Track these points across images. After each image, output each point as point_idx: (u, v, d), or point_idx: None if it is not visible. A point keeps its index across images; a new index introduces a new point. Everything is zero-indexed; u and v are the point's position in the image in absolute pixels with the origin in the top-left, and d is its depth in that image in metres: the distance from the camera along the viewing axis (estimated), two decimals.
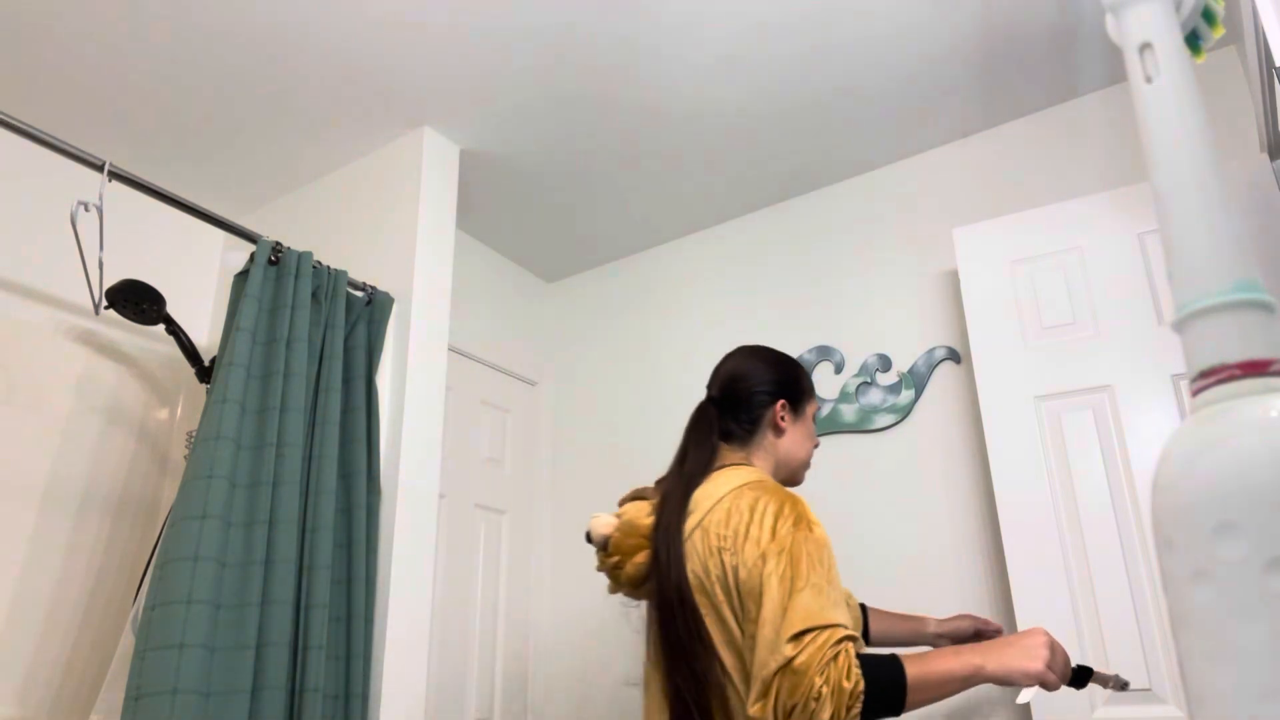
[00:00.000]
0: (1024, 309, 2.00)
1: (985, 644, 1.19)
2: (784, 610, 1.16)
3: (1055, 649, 1.18)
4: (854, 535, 2.29)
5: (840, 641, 1.13)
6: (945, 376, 2.31)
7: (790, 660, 1.12)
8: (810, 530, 1.24)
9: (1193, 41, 0.55)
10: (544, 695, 2.70)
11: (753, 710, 1.14)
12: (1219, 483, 0.40)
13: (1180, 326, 0.46)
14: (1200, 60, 0.54)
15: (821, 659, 1.11)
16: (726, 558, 1.26)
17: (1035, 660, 1.16)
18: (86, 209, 1.75)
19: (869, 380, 2.41)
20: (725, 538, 1.27)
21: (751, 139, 2.45)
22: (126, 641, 1.75)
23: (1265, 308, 0.44)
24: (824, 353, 2.51)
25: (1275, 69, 1.47)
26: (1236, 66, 2.06)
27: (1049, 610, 1.77)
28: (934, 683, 1.14)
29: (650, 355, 2.89)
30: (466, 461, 2.68)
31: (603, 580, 2.72)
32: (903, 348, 2.39)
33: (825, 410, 2.45)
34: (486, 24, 2.02)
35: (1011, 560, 1.85)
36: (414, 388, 2.15)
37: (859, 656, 1.13)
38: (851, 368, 2.46)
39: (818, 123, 2.39)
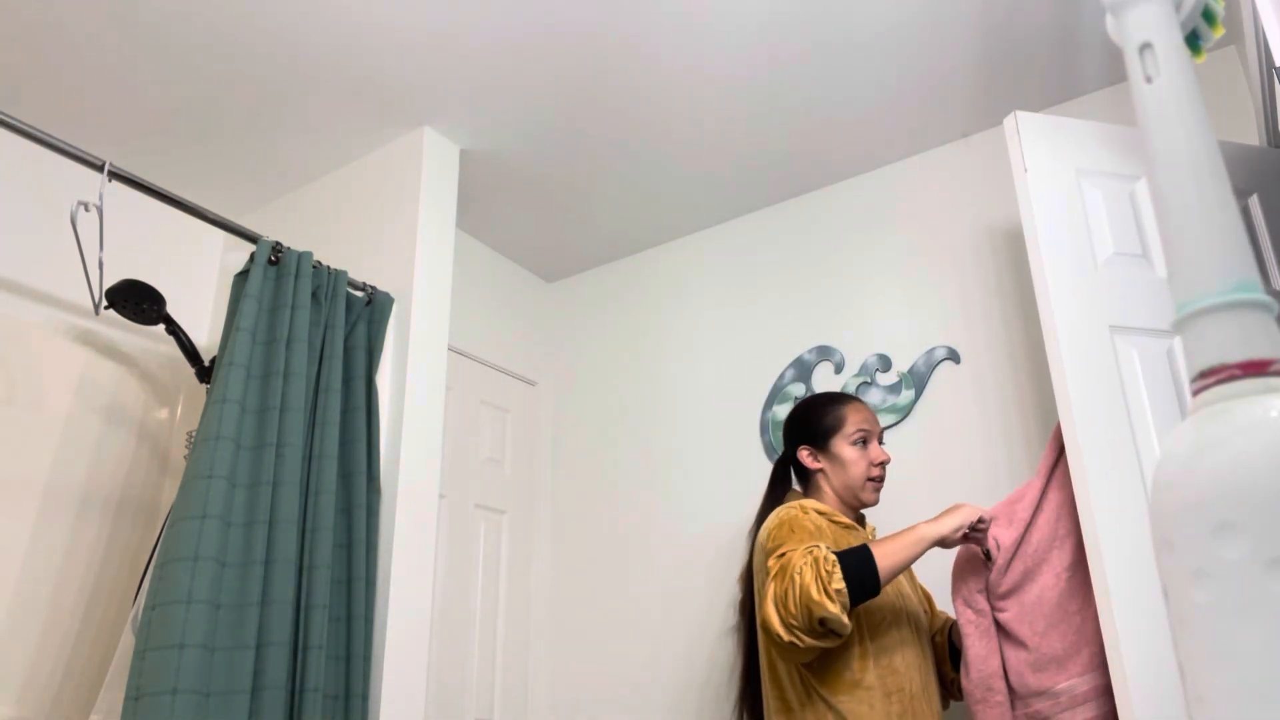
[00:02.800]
0: (1093, 226, 1.73)
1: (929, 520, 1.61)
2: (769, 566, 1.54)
3: (959, 513, 1.59)
4: None
5: (810, 550, 1.47)
6: (945, 376, 2.31)
7: (777, 566, 1.50)
8: (793, 530, 1.58)
9: (1193, 41, 0.55)
10: (544, 695, 2.70)
11: (762, 614, 1.49)
12: (1219, 483, 0.40)
13: (1180, 326, 0.46)
14: (1200, 60, 0.54)
15: (799, 554, 1.47)
16: (755, 557, 1.68)
17: (943, 526, 1.57)
18: (86, 209, 1.75)
19: (869, 380, 2.41)
20: (756, 546, 1.68)
21: (751, 139, 2.45)
22: (126, 641, 1.75)
23: (1265, 308, 0.44)
24: (824, 353, 2.51)
25: (1275, 69, 1.48)
26: (1236, 66, 2.06)
27: (1145, 585, 1.46)
28: (892, 549, 1.49)
29: (650, 355, 2.89)
30: (466, 461, 2.68)
31: (602, 580, 2.72)
32: (903, 348, 2.39)
33: None
34: (486, 24, 2.02)
35: (1096, 520, 1.50)
36: (414, 388, 2.15)
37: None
38: (851, 368, 2.46)
39: (818, 123, 2.39)
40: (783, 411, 2.52)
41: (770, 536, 1.60)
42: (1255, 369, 0.42)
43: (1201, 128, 0.47)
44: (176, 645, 1.51)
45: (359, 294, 2.17)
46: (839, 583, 1.40)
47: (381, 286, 2.22)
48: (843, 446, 1.75)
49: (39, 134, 1.68)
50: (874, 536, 1.82)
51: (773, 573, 1.49)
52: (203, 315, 2.59)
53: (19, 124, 1.65)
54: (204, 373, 2.18)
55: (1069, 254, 1.70)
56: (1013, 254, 2.28)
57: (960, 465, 2.21)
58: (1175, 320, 0.46)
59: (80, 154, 1.73)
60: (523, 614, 2.75)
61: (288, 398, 1.85)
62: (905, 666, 1.59)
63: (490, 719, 2.54)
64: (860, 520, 1.84)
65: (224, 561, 1.63)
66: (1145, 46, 0.49)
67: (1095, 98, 2.27)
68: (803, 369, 2.53)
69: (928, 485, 2.24)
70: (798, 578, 1.42)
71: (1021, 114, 1.80)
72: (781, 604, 1.44)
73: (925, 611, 1.82)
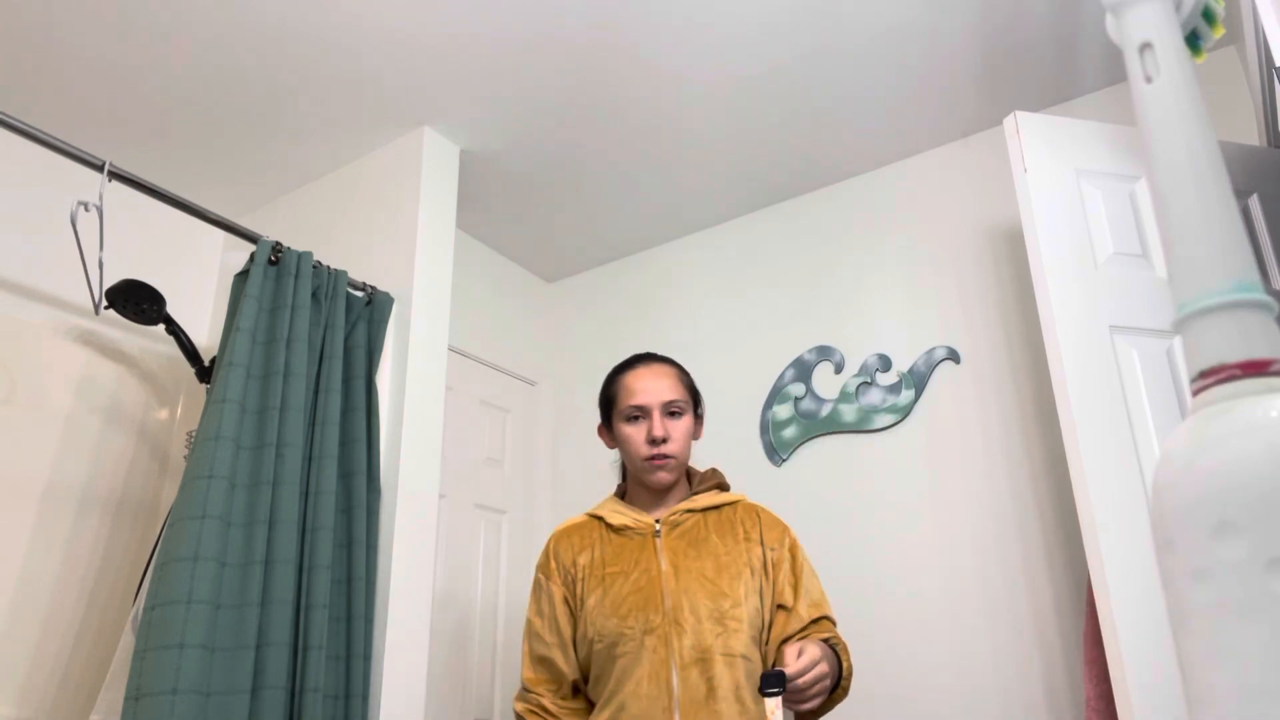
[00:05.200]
0: (1093, 226, 1.72)
1: None
2: None
3: None
4: (854, 535, 2.29)
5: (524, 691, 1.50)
6: (945, 376, 2.31)
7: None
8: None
9: (1193, 41, 0.55)
10: None
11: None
12: (1219, 483, 0.40)
13: (1180, 326, 0.46)
14: (1200, 60, 0.54)
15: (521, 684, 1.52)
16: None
17: None
18: (86, 209, 1.75)
19: (869, 380, 2.41)
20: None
21: (751, 139, 2.45)
22: (126, 641, 1.75)
23: (1265, 308, 0.44)
24: (824, 353, 2.52)
25: (1275, 69, 1.48)
26: (1236, 66, 2.06)
27: (1145, 591, 1.44)
28: None
29: None
30: (466, 461, 2.68)
31: None
32: (903, 348, 2.39)
33: (825, 410, 2.45)
34: (487, 25, 2.02)
35: (1095, 520, 1.51)
36: (414, 388, 2.15)
37: None
38: (851, 368, 2.46)
39: (818, 123, 2.39)
40: (783, 411, 2.52)
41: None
42: (1255, 369, 0.42)
43: (1201, 128, 0.47)
44: (176, 645, 1.51)
45: (359, 294, 2.17)
46: None
47: (381, 286, 2.22)
48: (619, 424, 1.55)
49: (39, 134, 1.68)
50: (693, 520, 1.51)
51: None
52: (203, 315, 2.59)
53: (19, 124, 1.65)
54: (204, 373, 2.18)
55: (1069, 254, 1.70)
56: (1013, 254, 2.28)
57: (960, 465, 2.21)
58: (1175, 320, 0.46)
59: (80, 154, 1.73)
60: (523, 614, 2.75)
61: (288, 398, 1.85)
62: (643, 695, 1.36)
63: (490, 719, 2.54)
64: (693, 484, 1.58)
65: (224, 561, 1.63)
66: (1145, 46, 0.49)
67: (1095, 98, 2.27)
68: (803, 369, 2.53)
69: (928, 485, 2.24)
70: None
71: (1021, 114, 1.80)
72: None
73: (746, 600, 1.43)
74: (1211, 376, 0.43)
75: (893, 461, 2.31)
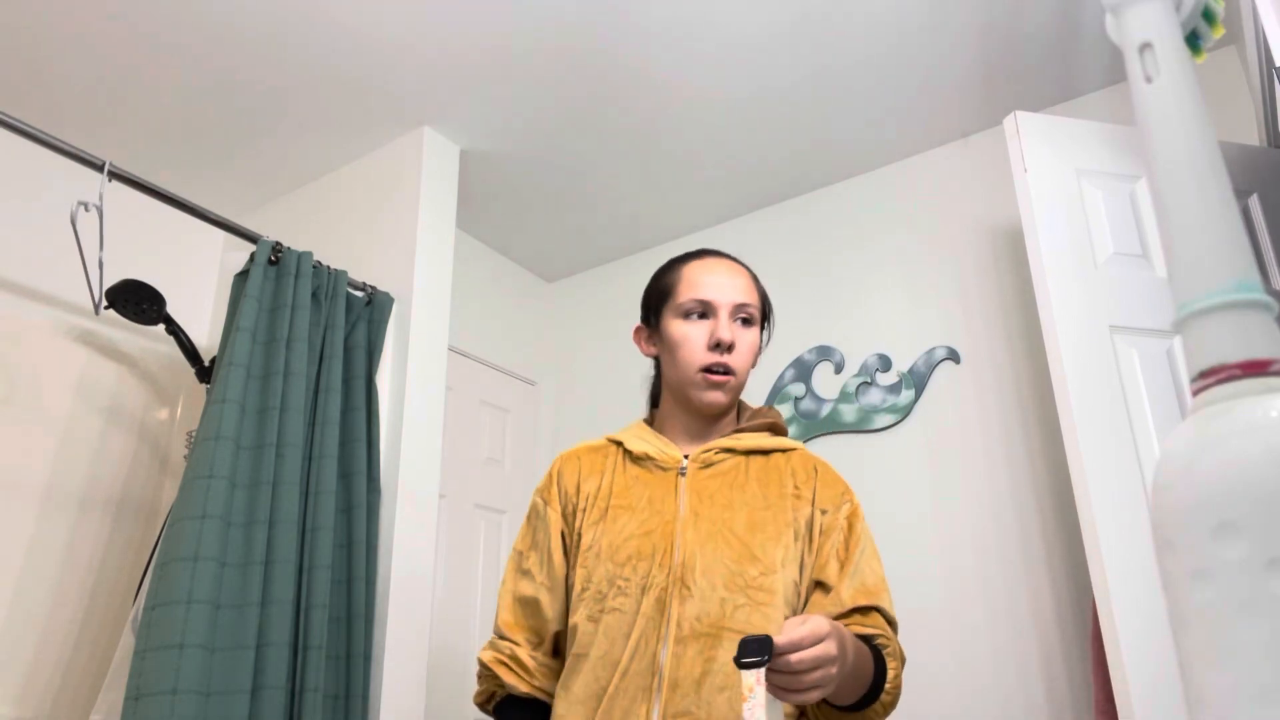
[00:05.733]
0: (1093, 226, 1.71)
1: None
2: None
3: None
4: None
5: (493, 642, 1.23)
6: (945, 376, 2.31)
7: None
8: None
9: (1193, 41, 0.55)
10: None
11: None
12: (1219, 483, 0.40)
13: (1180, 326, 0.46)
14: (1200, 60, 0.54)
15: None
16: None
17: None
18: (86, 209, 1.75)
19: (869, 380, 2.41)
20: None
21: (751, 139, 2.45)
22: (126, 641, 1.75)
23: (1265, 308, 0.44)
24: (824, 353, 2.51)
25: (1275, 69, 1.48)
26: (1236, 66, 2.06)
27: (1144, 588, 1.42)
28: None
29: None
30: (466, 461, 2.68)
31: None
32: (903, 348, 2.39)
33: (825, 410, 2.44)
34: (486, 24, 2.02)
35: (1095, 520, 1.51)
36: (414, 388, 2.15)
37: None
38: (851, 368, 2.46)
39: (818, 122, 2.39)
40: (783, 411, 2.52)
41: None
42: (1255, 369, 0.42)
43: (1201, 128, 0.47)
44: (176, 645, 1.51)
45: (359, 294, 2.17)
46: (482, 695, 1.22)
47: (381, 286, 2.22)
48: (672, 322, 1.23)
49: (39, 134, 1.68)
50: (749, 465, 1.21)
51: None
52: (203, 315, 2.59)
53: (19, 124, 1.65)
54: (204, 373, 2.18)
55: (1069, 254, 1.70)
56: (1013, 254, 2.27)
57: (960, 465, 2.21)
58: (1175, 320, 0.46)
59: (80, 154, 1.73)
60: None
61: (288, 398, 1.85)
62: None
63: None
64: (735, 418, 1.28)
65: (224, 561, 1.63)
66: (1145, 46, 0.49)
67: (1095, 98, 2.27)
68: (803, 369, 2.53)
69: (928, 486, 2.24)
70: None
71: (1021, 114, 1.80)
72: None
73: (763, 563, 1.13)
74: (1211, 376, 0.43)
75: (893, 461, 2.31)
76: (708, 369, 1.19)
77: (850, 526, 1.19)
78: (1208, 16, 0.54)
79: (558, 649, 1.20)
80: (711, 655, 1.06)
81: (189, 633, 1.53)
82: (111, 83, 2.17)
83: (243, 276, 1.93)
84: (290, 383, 1.87)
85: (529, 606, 1.20)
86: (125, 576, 2.21)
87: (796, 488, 1.19)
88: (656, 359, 1.32)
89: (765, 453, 1.23)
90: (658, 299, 1.29)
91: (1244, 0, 1.70)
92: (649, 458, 1.22)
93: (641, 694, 1.06)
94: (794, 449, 1.25)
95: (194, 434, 1.99)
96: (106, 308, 1.99)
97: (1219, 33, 0.55)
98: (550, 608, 1.19)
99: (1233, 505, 0.39)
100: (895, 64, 2.17)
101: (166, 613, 1.54)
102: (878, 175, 2.60)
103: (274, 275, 1.96)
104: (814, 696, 0.91)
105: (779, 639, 0.88)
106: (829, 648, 0.90)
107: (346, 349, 2.07)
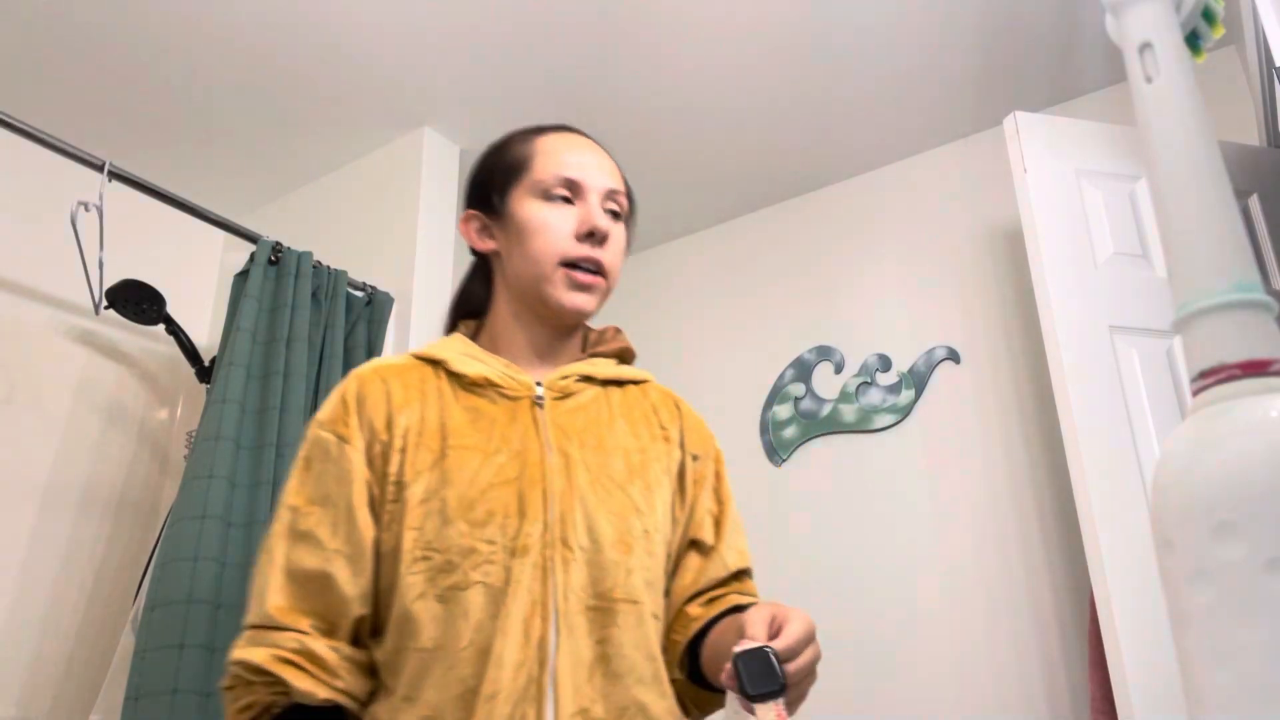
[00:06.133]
0: (1093, 226, 1.71)
1: None
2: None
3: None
4: (853, 535, 2.29)
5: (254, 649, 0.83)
6: (945, 376, 2.31)
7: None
8: (299, 471, 0.92)
9: (1193, 41, 0.55)
10: None
11: None
12: (1219, 483, 0.40)
13: (1180, 326, 0.46)
14: (1200, 60, 0.54)
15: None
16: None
17: None
18: (86, 209, 1.75)
19: (869, 380, 2.41)
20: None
21: (751, 139, 2.45)
22: (126, 641, 1.75)
23: (1265, 308, 0.44)
24: (824, 353, 2.51)
25: (1275, 69, 1.48)
26: (1236, 66, 2.06)
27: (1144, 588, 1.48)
28: None
29: (649, 355, 2.89)
30: None
31: None
32: (903, 348, 2.39)
33: (825, 410, 2.44)
34: (486, 24, 2.02)
35: (1095, 520, 1.49)
36: None
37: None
38: (851, 368, 2.45)
39: (817, 122, 2.39)
40: (783, 411, 2.52)
41: None
42: (1255, 369, 0.42)
43: (1201, 128, 0.47)
44: (176, 645, 1.51)
45: (359, 294, 2.17)
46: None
47: (381, 286, 2.22)
48: (525, 203, 0.98)
49: (39, 134, 1.68)
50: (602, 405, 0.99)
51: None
52: (203, 315, 2.59)
53: (19, 124, 1.65)
54: (204, 373, 2.18)
55: (1069, 254, 1.70)
56: (1013, 254, 2.27)
57: (960, 465, 2.21)
58: (1175, 320, 0.46)
59: (80, 154, 1.73)
60: None
61: (288, 398, 1.85)
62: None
63: None
64: (580, 342, 1.05)
65: (224, 561, 1.63)
66: (1145, 46, 0.49)
67: (1095, 98, 2.27)
68: (803, 369, 2.53)
69: (928, 485, 2.24)
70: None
71: (1021, 114, 1.80)
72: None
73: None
74: (1211, 376, 0.43)
75: (893, 461, 2.31)
76: (573, 264, 0.95)
77: (719, 476, 1.03)
78: (1208, 16, 0.54)
79: (357, 637, 0.87)
80: (605, 635, 0.85)
81: (189, 633, 1.53)
82: (111, 83, 2.17)
83: (243, 276, 1.93)
84: (290, 383, 1.87)
85: (314, 583, 0.85)
86: (125, 576, 2.21)
87: (663, 427, 1.01)
88: (483, 259, 1.05)
89: (621, 384, 1.03)
90: (504, 176, 1.02)
91: (1244, 0, 1.70)
92: (490, 383, 0.94)
93: (528, 693, 0.80)
94: (648, 380, 1.07)
95: (194, 434, 1.99)
96: (106, 308, 1.99)
97: (1219, 33, 0.55)
98: (350, 584, 0.85)
99: (1232, 505, 0.39)
100: (895, 64, 2.17)
101: (166, 613, 1.54)
102: (878, 175, 2.60)
103: (274, 275, 1.96)
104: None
105: (777, 644, 0.71)
106: (818, 649, 0.77)
107: (346, 349, 2.07)
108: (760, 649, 0.70)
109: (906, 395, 2.33)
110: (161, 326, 2.15)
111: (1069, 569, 1.99)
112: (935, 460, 2.25)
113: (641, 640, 0.88)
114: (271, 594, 0.85)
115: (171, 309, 2.13)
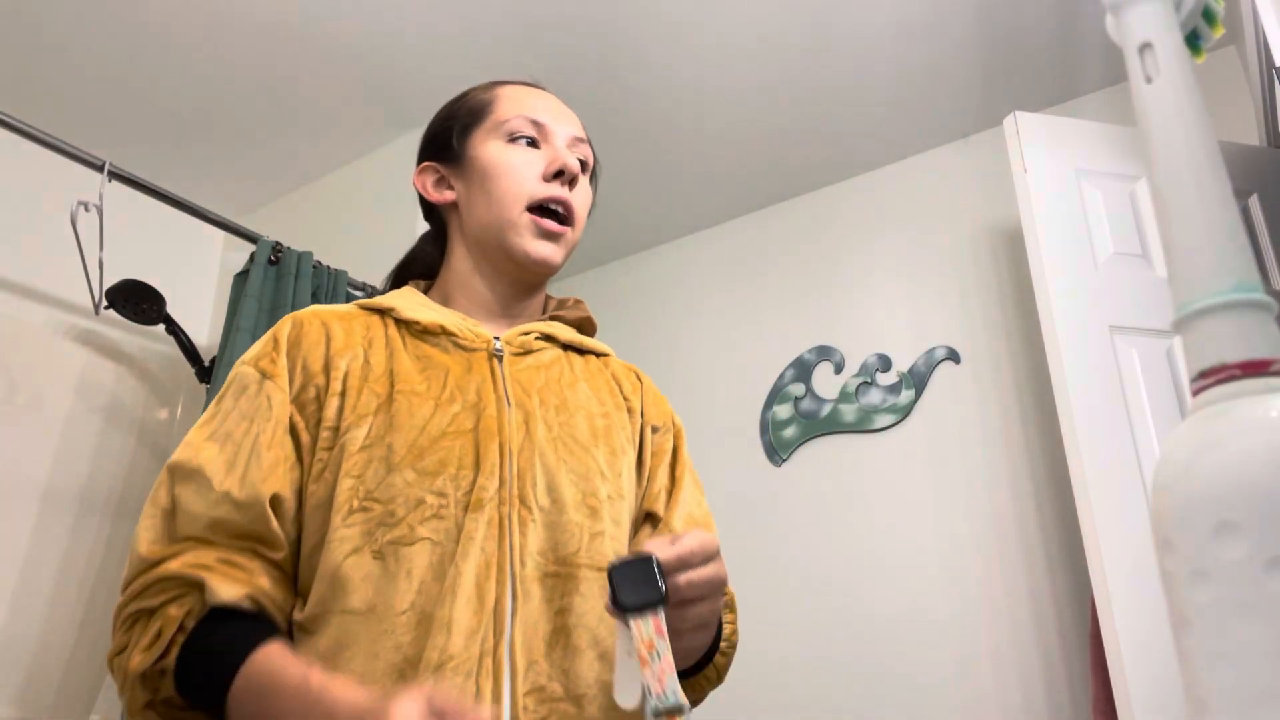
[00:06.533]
0: (1093, 226, 1.72)
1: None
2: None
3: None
4: (853, 535, 2.29)
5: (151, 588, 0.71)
6: (945, 376, 2.31)
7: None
8: (219, 403, 0.80)
9: (1193, 41, 0.55)
10: None
11: None
12: (1219, 483, 0.40)
13: (1180, 326, 0.46)
14: (1200, 60, 0.54)
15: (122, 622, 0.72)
16: None
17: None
18: (86, 209, 1.75)
19: (869, 380, 2.41)
20: None
21: (751, 139, 2.45)
22: None
23: (1265, 308, 0.44)
24: (824, 353, 2.51)
25: (1275, 69, 1.48)
26: (1236, 66, 2.06)
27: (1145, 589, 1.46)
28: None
29: (649, 355, 2.89)
30: None
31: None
32: (903, 348, 2.39)
33: (825, 410, 2.44)
34: (486, 25, 2.02)
35: (1095, 520, 1.50)
36: None
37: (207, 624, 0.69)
38: (851, 368, 2.46)
39: (818, 122, 2.39)
40: (783, 411, 2.52)
41: None
42: (1255, 369, 0.42)
43: (1201, 128, 0.47)
44: None
45: (359, 294, 2.16)
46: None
47: (381, 287, 2.22)
48: (487, 145, 0.93)
49: (39, 134, 1.68)
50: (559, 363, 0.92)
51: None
52: (203, 315, 2.59)
53: (19, 124, 1.65)
54: (204, 373, 2.18)
55: (1069, 254, 1.70)
56: (1013, 254, 2.27)
57: (960, 465, 2.21)
58: (1175, 320, 0.46)
59: (80, 154, 1.73)
60: None
61: None
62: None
63: None
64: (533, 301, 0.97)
65: None
66: (1145, 46, 0.49)
67: (1095, 98, 2.27)
68: (803, 369, 2.53)
69: (928, 486, 2.24)
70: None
71: (1021, 114, 1.80)
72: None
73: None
74: (1211, 376, 0.43)
75: (893, 461, 2.31)
76: (540, 207, 0.88)
77: (677, 451, 0.98)
78: (1208, 16, 0.54)
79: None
80: (566, 605, 0.76)
81: None
82: (111, 83, 2.17)
83: (243, 276, 1.93)
84: None
85: (214, 530, 0.73)
86: None
87: (626, 398, 0.95)
88: (436, 219, 1.02)
89: (581, 353, 0.97)
90: (464, 121, 0.97)
91: (1244, 0, 1.70)
92: (445, 331, 0.85)
93: (483, 666, 0.70)
94: (609, 354, 1.01)
95: None
96: (106, 308, 1.99)
97: (1219, 33, 0.55)
98: (259, 522, 0.74)
99: (1233, 505, 0.39)
100: (895, 64, 2.17)
101: None
102: (878, 175, 2.60)
103: (274, 275, 1.96)
104: (702, 639, 0.66)
105: (662, 552, 0.63)
106: (720, 568, 0.67)
107: None
108: (641, 557, 0.61)
109: (906, 395, 2.33)
110: (161, 326, 2.15)
111: (1069, 569, 1.99)
112: (935, 460, 2.25)
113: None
114: (144, 538, 0.73)
115: (171, 309, 2.13)
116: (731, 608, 0.87)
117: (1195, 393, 0.45)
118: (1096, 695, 1.58)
